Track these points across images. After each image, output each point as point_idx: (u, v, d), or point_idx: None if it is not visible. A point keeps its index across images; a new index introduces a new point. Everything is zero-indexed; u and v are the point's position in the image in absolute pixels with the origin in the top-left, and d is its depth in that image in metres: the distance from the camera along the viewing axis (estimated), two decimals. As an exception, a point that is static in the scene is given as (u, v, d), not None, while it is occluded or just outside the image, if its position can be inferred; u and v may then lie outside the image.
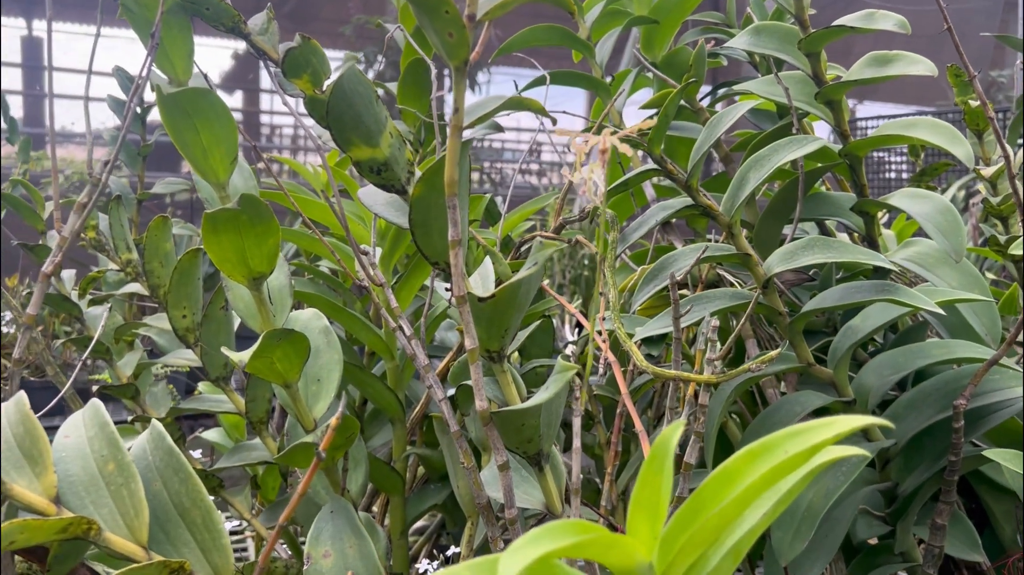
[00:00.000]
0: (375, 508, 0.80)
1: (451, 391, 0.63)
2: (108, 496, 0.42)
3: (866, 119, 2.91)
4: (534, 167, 6.20)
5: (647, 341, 0.75)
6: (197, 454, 0.94)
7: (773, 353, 0.50)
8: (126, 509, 0.42)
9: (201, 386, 0.89)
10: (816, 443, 0.32)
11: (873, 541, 0.82)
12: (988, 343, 0.73)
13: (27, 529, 0.35)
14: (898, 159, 2.77)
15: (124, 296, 0.91)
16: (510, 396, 0.52)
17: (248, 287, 0.55)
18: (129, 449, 0.47)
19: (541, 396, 0.45)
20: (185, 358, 0.83)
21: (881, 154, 2.82)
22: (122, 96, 0.87)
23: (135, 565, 0.37)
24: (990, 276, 1.23)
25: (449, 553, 0.70)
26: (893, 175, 2.87)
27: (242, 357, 0.49)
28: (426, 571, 0.67)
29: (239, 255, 0.53)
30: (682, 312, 0.60)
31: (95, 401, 0.46)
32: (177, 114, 0.51)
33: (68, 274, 0.80)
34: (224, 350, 0.51)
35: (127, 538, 0.41)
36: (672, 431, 0.33)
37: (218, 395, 0.85)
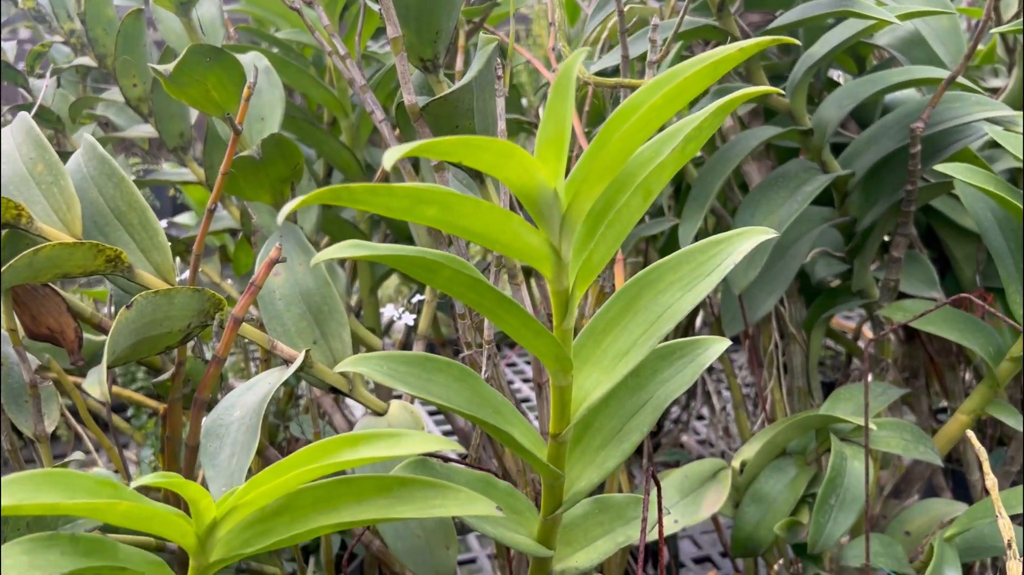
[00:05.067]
0: (346, 268, 0.82)
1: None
2: (40, 194, 0.42)
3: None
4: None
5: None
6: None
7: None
8: (58, 205, 0.42)
9: (164, 165, 0.88)
10: (717, 60, 0.32)
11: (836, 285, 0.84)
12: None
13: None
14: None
15: (79, 76, 0.89)
16: (447, 107, 0.51)
17: (176, 13, 0.54)
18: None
19: (468, 76, 0.44)
20: (142, 132, 0.82)
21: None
22: None
23: (67, 241, 0.38)
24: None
25: (415, 300, 0.71)
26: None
27: (167, 68, 0.48)
28: (390, 316, 0.69)
29: (161, -27, 0.51)
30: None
31: (22, 114, 0.46)
32: None
33: (9, 45, 0.78)
34: (149, 65, 0.50)
35: (61, 230, 0.42)
36: (575, 58, 0.32)
37: (180, 169, 0.84)
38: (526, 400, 1.39)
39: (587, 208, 0.34)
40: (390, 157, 0.25)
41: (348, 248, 0.32)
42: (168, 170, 0.82)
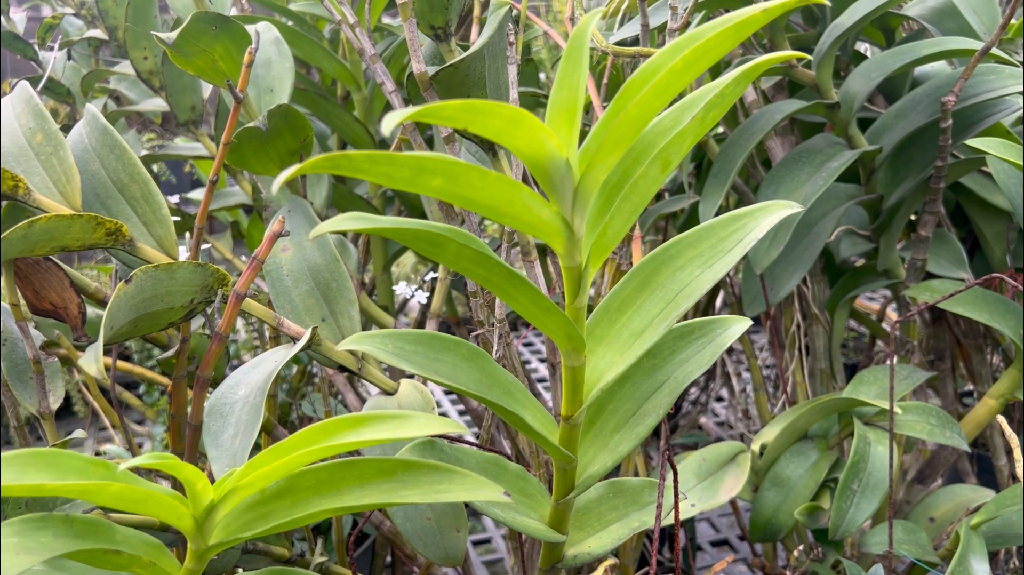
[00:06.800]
0: (359, 245, 0.81)
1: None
2: (39, 165, 0.41)
3: None
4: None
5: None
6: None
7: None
8: (57, 176, 0.41)
9: (178, 140, 0.87)
10: (740, 21, 0.30)
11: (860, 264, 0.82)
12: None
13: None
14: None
15: (91, 49, 0.87)
16: (459, 77, 0.49)
17: (182, -19, 0.52)
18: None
19: (479, 43, 0.42)
20: (154, 105, 0.81)
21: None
22: None
23: (64, 213, 0.37)
24: None
25: (428, 277, 0.70)
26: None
27: (170, 36, 0.47)
28: (404, 294, 0.68)
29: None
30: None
31: (22, 83, 0.44)
32: None
33: (19, 16, 0.77)
34: (152, 32, 0.49)
35: (60, 202, 0.41)
36: (588, 20, 0.31)
37: (192, 143, 0.83)
38: (542, 380, 1.38)
39: (601, 179, 0.32)
40: (389, 122, 0.24)
41: (350, 220, 0.30)
42: (181, 144, 0.81)
